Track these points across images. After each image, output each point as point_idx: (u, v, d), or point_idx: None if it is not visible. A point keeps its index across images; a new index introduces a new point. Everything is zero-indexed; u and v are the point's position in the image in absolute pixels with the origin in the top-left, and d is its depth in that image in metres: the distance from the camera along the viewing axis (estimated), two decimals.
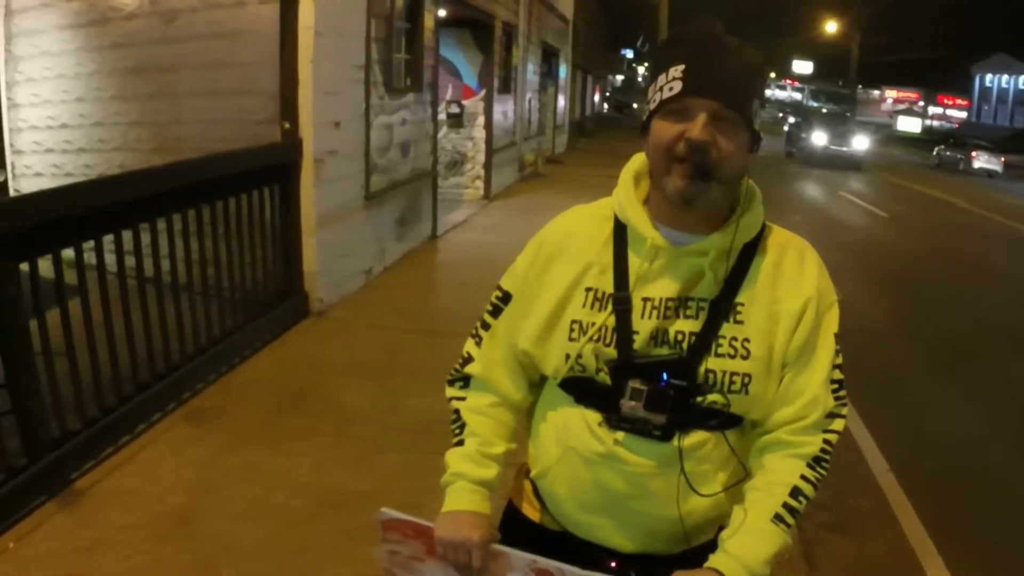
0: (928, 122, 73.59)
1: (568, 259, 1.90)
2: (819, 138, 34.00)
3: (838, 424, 1.87)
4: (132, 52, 8.38)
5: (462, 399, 2.07)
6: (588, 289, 1.86)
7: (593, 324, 1.83)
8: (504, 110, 16.74)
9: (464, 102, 15.34)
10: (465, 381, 2.08)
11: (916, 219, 19.06)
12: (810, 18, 76.04)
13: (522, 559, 1.87)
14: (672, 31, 1.88)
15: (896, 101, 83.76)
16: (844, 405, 1.88)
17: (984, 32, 62.39)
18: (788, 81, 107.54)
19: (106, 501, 4.41)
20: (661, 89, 1.76)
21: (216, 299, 6.34)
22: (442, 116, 14.07)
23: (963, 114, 71.21)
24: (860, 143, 34.32)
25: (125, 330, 5.18)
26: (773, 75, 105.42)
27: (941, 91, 77.20)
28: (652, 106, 1.78)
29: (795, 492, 1.81)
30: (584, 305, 1.86)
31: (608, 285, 1.85)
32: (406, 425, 5.46)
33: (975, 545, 4.80)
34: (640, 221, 1.83)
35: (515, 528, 2.08)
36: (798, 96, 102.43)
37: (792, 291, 1.83)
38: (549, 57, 22.67)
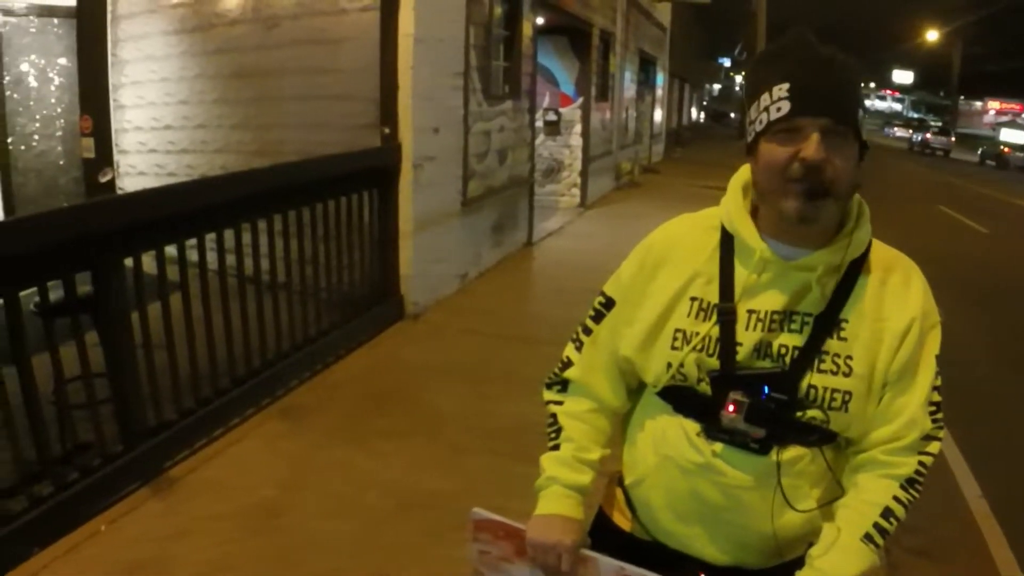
0: None
1: (674, 268, 1.89)
2: None
3: (934, 447, 1.86)
4: (235, 57, 8.60)
5: (559, 403, 2.06)
6: (693, 299, 1.85)
7: (697, 334, 1.82)
8: (601, 118, 16.69)
9: (561, 110, 15.33)
10: (563, 385, 2.07)
11: (1018, 235, 18.57)
12: (910, 27, 74.72)
13: (610, 565, 1.86)
14: (768, 46, 1.84)
15: (999, 112, 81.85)
16: (941, 428, 1.87)
17: None
18: (888, 92, 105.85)
19: (198, 490, 4.51)
20: (767, 109, 1.72)
21: (313, 299, 6.44)
22: (539, 123, 14.08)
23: None
24: None
25: (223, 326, 5.31)
26: (873, 85, 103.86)
27: None
28: (759, 127, 1.74)
29: (887, 513, 1.80)
30: (689, 314, 1.85)
31: (714, 295, 1.84)
32: (496, 429, 5.46)
33: None
34: (749, 233, 1.81)
35: (605, 536, 2.06)
36: (898, 107, 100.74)
37: (897, 310, 1.80)
38: (646, 65, 22.58)
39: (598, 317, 2.03)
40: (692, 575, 1.94)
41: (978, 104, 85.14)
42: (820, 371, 1.76)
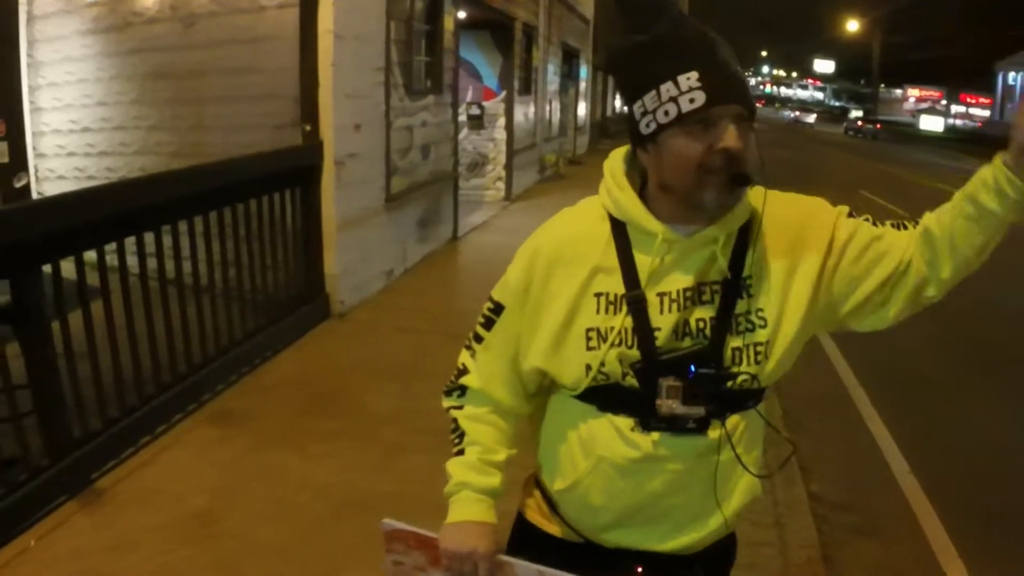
0: (951, 121, 73.31)
1: (569, 267, 1.84)
2: None
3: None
4: (153, 57, 8.47)
5: (459, 408, 2.04)
6: (598, 294, 1.81)
7: (612, 328, 1.78)
8: (525, 111, 16.75)
9: (485, 104, 15.36)
10: (462, 391, 2.04)
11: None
12: (831, 17, 76.01)
13: (528, 569, 1.85)
14: (655, 33, 1.78)
15: (919, 100, 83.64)
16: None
17: (1008, 30, 62.07)
18: (810, 80, 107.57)
19: (128, 501, 4.44)
20: (675, 100, 1.66)
21: (237, 301, 6.38)
22: (463, 118, 14.07)
23: (987, 112, 70.82)
24: None
25: (147, 332, 5.23)
26: (795, 75, 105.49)
27: (964, 89, 76.92)
28: (665, 119, 1.67)
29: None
30: (598, 311, 1.80)
31: (618, 287, 1.79)
32: (430, 427, 5.42)
33: (998, 551, 4.74)
34: (645, 219, 1.78)
35: (530, 542, 2.05)
36: (819, 95, 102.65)
37: (792, 229, 1.82)
38: (570, 58, 22.67)
39: (488, 324, 1.98)
40: (630, 571, 1.93)
41: (898, 92, 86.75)
42: (738, 332, 1.77)
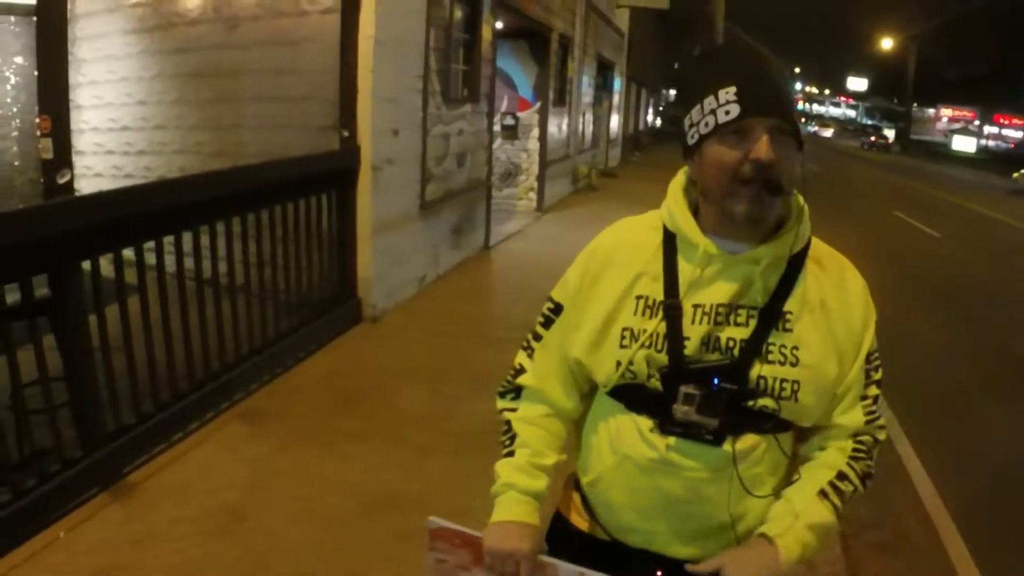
0: (983, 142, 72.87)
1: (618, 269, 1.92)
2: None
3: (875, 432, 1.94)
4: (195, 57, 8.53)
5: (513, 410, 2.09)
6: (639, 297, 1.88)
7: (644, 331, 1.84)
8: (559, 122, 16.76)
9: (519, 114, 15.38)
10: (516, 392, 2.10)
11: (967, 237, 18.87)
12: (865, 34, 75.83)
13: (569, 571, 1.88)
14: (705, 49, 1.88)
15: (951, 120, 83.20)
16: (879, 417, 1.93)
17: None
18: (842, 98, 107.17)
19: (159, 495, 4.48)
20: (714, 112, 1.74)
21: (272, 302, 6.41)
22: (497, 127, 14.11)
23: (1020, 134, 70.35)
24: None
25: (182, 329, 5.28)
26: (827, 92, 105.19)
27: (998, 110, 76.42)
28: (705, 129, 1.76)
29: (841, 476, 1.88)
30: (635, 313, 1.87)
31: (659, 293, 1.86)
32: (458, 430, 5.48)
33: (1020, 572, 4.76)
34: (691, 230, 1.85)
35: (564, 539, 2.09)
36: (852, 113, 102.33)
37: (840, 303, 1.87)
38: (604, 70, 22.68)
39: (547, 323, 2.07)
40: (650, 573, 1.96)
41: (931, 111, 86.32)
42: (768, 362, 1.80)
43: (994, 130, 77.32)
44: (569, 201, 17.56)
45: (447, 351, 7.21)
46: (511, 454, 2.04)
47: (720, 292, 1.82)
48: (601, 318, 1.90)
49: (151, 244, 5.00)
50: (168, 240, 5.15)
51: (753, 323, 1.81)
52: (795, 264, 1.85)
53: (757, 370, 1.80)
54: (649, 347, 1.83)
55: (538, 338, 2.08)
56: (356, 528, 4.31)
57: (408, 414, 5.77)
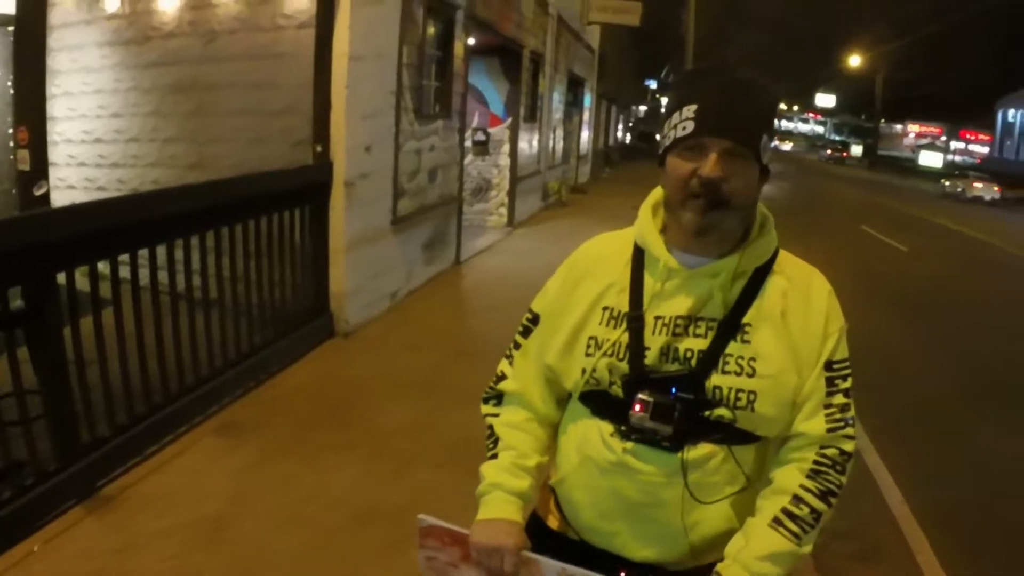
0: (950, 157, 73.65)
1: (592, 280, 2.04)
2: None
3: (840, 443, 1.95)
4: (172, 70, 8.55)
5: (496, 415, 2.19)
6: (606, 308, 2.00)
7: (608, 340, 1.95)
8: (529, 138, 16.82)
9: (491, 130, 15.41)
10: (499, 398, 2.21)
11: (935, 252, 19.07)
12: (835, 52, 76.47)
13: (552, 567, 1.94)
14: (689, 69, 2.00)
15: (919, 135, 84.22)
16: (845, 425, 1.95)
17: (1008, 67, 62.46)
18: (811, 114, 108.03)
19: (137, 506, 4.49)
20: (676, 127, 1.88)
21: (245, 315, 6.43)
22: (468, 143, 14.15)
23: (986, 149, 71.17)
24: None
25: (156, 342, 5.29)
26: (796, 108, 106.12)
27: (964, 126, 77.34)
28: (668, 142, 1.90)
29: (796, 499, 1.89)
30: (601, 323, 1.99)
31: (625, 304, 1.97)
32: (438, 441, 5.52)
33: None
34: (655, 244, 1.96)
35: (537, 537, 2.14)
36: (820, 129, 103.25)
37: (802, 315, 1.93)
38: (575, 87, 22.78)
39: (526, 332, 2.19)
40: (615, 574, 2.01)
41: (899, 127, 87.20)
42: (724, 372, 1.88)
43: (960, 145, 78.11)
44: (540, 216, 17.62)
45: (422, 364, 7.24)
46: (495, 456, 2.12)
47: (680, 304, 1.92)
48: (572, 326, 2.02)
49: (125, 257, 5.00)
50: (142, 253, 5.16)
51: (712, 335, 1.90)
52: (759, 276, 1.93)
53: (713, 380, 1.88)
54: (611, 356, 1.94)
55: (518, 346, 2.20)
56: (339, 539, 4.35)
57: (387, 426, 5.80)
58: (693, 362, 1.89)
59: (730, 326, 1.90)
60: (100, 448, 4.68)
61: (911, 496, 5.67)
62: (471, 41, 11.66)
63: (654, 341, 1.91)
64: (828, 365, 1.93)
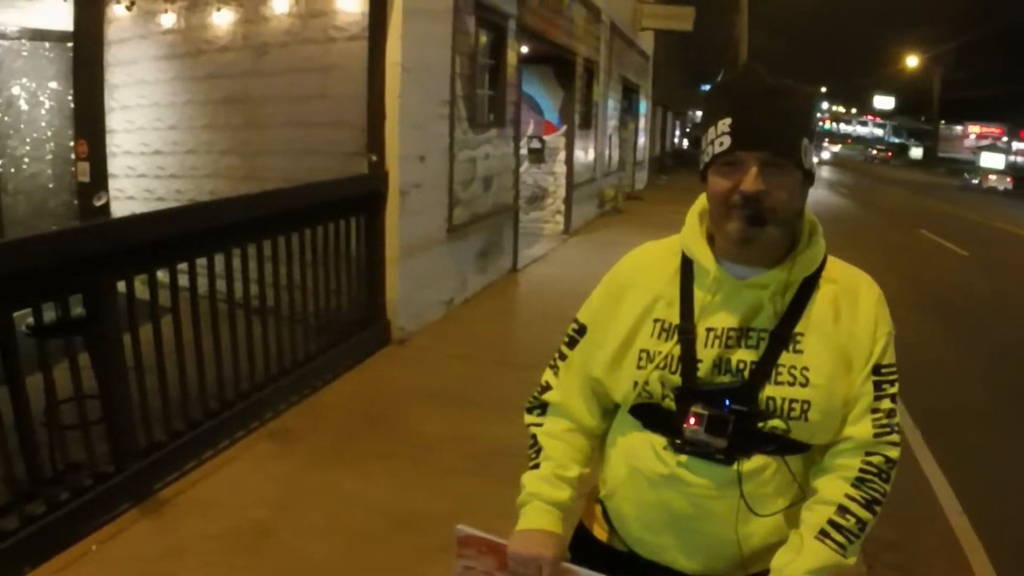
0: (1012, 158, 72.21)
1: (638, 292, 2.02)
2: None
3: (885, 449, 1.91)
4: (225, 83, 8.70)
5: (539, 425, 2.17)
6: (656, 320, 1.97)
7: (660, 353, 1.93)
8: (584, 146, 16.82)
9: (545, 137, 15.45)
10: (543, 408, 2.19)
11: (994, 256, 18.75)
12: (891, 54, 75.58)
13: None
14: (720, 78, 1.97)
15: (979, 136, 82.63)
16: (891, 432, 1.92)
17: None
18: (869, 117, 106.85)
19: (188, 511, 4.57)
20: (712, 143, 1.87)
21: (301, 324, 6.51)
22: (524, 151, 14.18)
23: None
24: None
25: (213, 350, 5.39)
26: (854, 111, 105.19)
27: None
28: (707, 159, 1.89)
29: (841, 510, 1.86)
30: (652, 335, 1.96)
31: (675, 316, 1.95)
32: (482, 452, 5.52)
33: None
34: (704, 256, 1.93)
35: (584, 548, 2.16)
36: (879, 132, 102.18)
37: (850, 322, 1.90)
38: (629, 93, 22.72)
39: (572, 343, 2.17)
40: None
41: (959, 129, 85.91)
42: (777, 383, 1.86)
43: (1022, 146, 76.68)
44: (596, 224, 17.59)
45: (472, 374, 7.27)
46: (536, 466, 2.12)
47: (731, 316, 1.90)
48: (621, 338, 1.99)
49: (184, 266, 5.11)
50: (201, 262, 5.26)
51: (763, 345, 1.88)
52: (808, 286, 1.91)
53: (767, 392, 1.86)
54: (663, 368, 1.92)
55: (563, 357, 2.18)
56: (381, 546, 4.37)
57: (433, 436, 5.81)
58: (746, 373, 1.88)
59: (781, 337, 1.88)
60: (157, 452, 4.79)
61: (969, 507, 5.56)
62: (523, 50, 11.69)
63: (706, 353, 1.90)
64: (876, 369, 1.91)
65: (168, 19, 9.09)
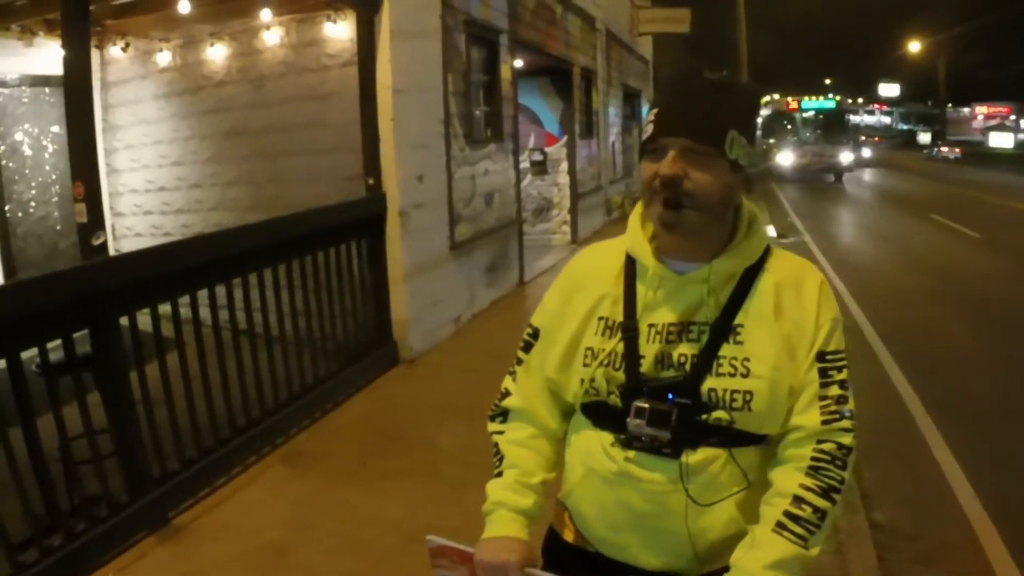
0: (1022, 136, 71.58)
1: (586, 292, 2.06)
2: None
3: (837, 436, 1.91)
4: (226, 117, 8.86)
5: (501, 432, 2.20)
6: (601, 318, 2.01)
7: (604, 350, 1.97)
8: (587, 155, 16.86)
9: (547, 149, 15.49)
10: (504, 415, 2.22)
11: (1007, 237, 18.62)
12: (894, 40, 75.15)
13: None
14: (665, 77, 2.02)
15: (987, 117, 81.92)
16: (841, 419, 1.91)
17: None
18: (876, 106, 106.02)
19: (204, 536, 4.66)
20: (642, 131, 1.95)
21: (308, 348, 6.59)
22: (526, 164, 14.24)
23: None
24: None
25: (221, 378, 5.49)
26: (860, 101, 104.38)
27: None
28: (639, 147, 1.95)
29: (797, 500, 1.85)
30: (597, 333, 2.00)
31: (619, 314, 1.99)
32: (492, 466, 5.57)
33: None
34: (644, 253, 1.98)
35: (555, 551, 2.19)
36: (887, 120, 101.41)
37: (794, 312, 1.93)
38: (631, 99, 22.70)
39: (527, 347, 2.21)
40: None
41: (966, 111, 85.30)
42: (719, 375, 1.88)
43: None
44: (604, 232, 17.54)
45: (483, 388, 7.19)
46: (500, 474, 2.14)
47: (672, 311, 1.95)
48: (569, 338, 2.04)
49: (186, 299, 5.22)
50: (203, 294, 5.37)
51: (704, 339, 1.91)
52: (749, 278, 1.96)
53: (708, 384, 1.88)
54: (608, 365, 1.96)
55: (520, 362, 2.21)
56: (396, 561, 4.43)
57: (446, 451, 5.88)
58: (687, 367, 1.90)
59: (722, 329, 1.91)
60: (170, 481, 4.90)
61: (985, 496, 5.51)
62: (518, 63, 11.78)
63: (649, 349, 1.93)
64: (821, 356, 1.92)
65: (165, 57, 9.28)
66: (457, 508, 5.01)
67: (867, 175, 41.40)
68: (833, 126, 39.08)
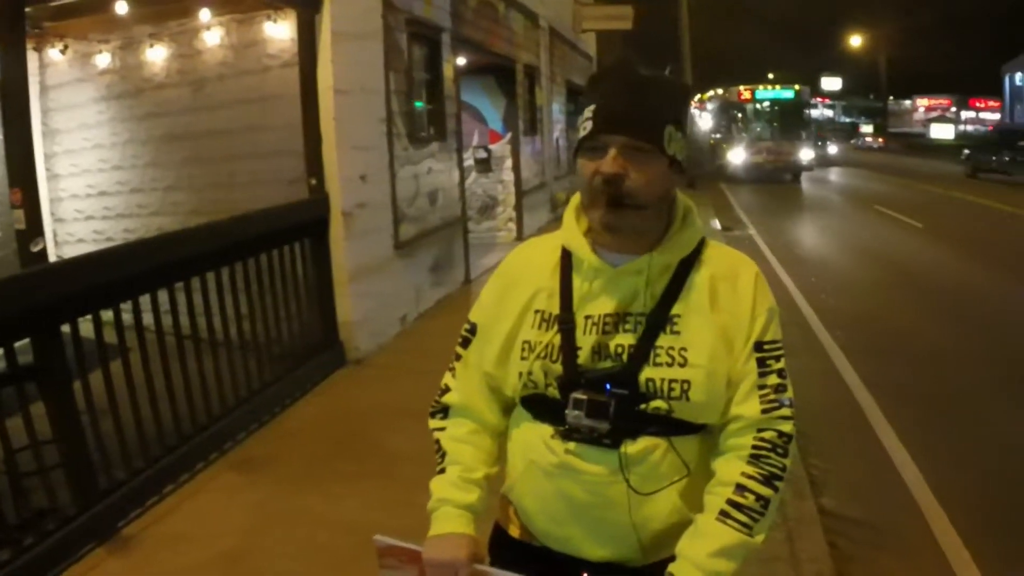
0: (962, 127, 72.86)
1: (522, 286, 2.07)
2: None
3: (777, 424, 1.94)
4: (166, 120, 8.77)
5: (442, 429, 2.22)
6: (537, 311, 2.03)
7: (540, 343, 1.98)
8: (532, 151, 16.88)
9: (491, 146, 15.47)
10: (444, 412, 2.23)
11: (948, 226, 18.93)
12: (836, 35, 76.00)
13: None
14: (594, 71, 2.02)
15: (928, 109, 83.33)
16: (781, 407, 1.95)
17: (1013, 31, 61.78)
18: (819, 99, 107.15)
19: (156, 545, 4.61)
20: (579, 129, 1.95)
21: (254, 352, 6.55)
22: (470, 162, 14.22)
23: (996, 116, 70.18)
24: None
25: (166, 385, 5.42)
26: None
27: (972, 95, 76.64)
28: (576, 145, 1.96)
29: (739, 488, 1.89)
30: (533, 326, 2.02)
31: (555, 307, 2.01)
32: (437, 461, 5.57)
33: (1014, 558, 4.73)
34: (580, 246, 2.00)
35: (502, 547, 2.20)
36: (830, 113, 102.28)
37: (729, 303, 1.97)
38: (575, 96, 22.73)
39: (465, 343, 2.22)
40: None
41: (908, 103, 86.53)
42: (656, 364, 1.90)
43: (971, 115, 77.35)
44: (550, 228, 16.95)
45: (431, 387, 7.00)
46: (443, 471, 2.16)
47: (608, 302, 1.96)
48: (506, 332, 2.05)
49: (129, 305, 5.15)
50: (145, 299, 5.30)
51: (641, 329, 1.93)
52: (685, 269, 1.98)
53: (646, 374, 1.90)
54: (545, 358, 1.97)
55: (459, 358, 2.22)
56: (351, 565, 4.35)
57: (398, 452, 5.84)
58: (624, 357, 1.92)
59: (658, 319, 1.93)
60: (118, 491, 4.84)
61: (934, 482, 5.60)
62: (461, 61, 11.77)
63: (585, 341, 1.94)
64: (758, 346, 1.95)
65: (103, 60, 9.15)
66: (412, 508, 4.91)
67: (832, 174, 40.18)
68: (791, 119, 34.91)
